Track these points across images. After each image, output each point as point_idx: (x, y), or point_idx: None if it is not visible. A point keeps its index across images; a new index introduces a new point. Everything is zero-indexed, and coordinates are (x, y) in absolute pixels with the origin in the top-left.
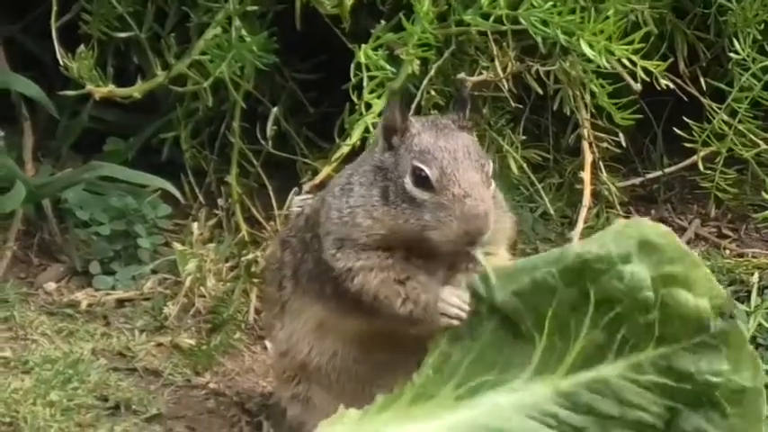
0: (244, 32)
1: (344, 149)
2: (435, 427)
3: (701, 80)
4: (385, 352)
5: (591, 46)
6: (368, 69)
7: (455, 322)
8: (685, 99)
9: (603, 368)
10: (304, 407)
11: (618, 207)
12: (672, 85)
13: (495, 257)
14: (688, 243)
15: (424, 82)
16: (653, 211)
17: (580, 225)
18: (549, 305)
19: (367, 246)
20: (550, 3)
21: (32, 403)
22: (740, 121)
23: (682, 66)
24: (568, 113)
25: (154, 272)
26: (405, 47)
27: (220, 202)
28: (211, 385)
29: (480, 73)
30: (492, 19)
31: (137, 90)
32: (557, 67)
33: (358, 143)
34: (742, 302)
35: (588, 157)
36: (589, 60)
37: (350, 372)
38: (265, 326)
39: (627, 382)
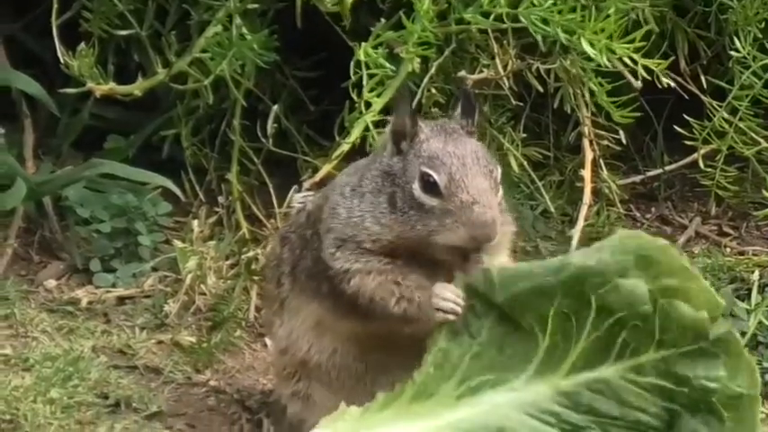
0: (244, 30)
1: (345, 147)
2: (436, 425)
3: (702, 78)
4: (383, 351)
5: (592, 44)
6: (368, 67)
7: (450, 317)
8: (686, 97)
9: (604, 369)
10: (304, 404)
11: (618, 205)
12: (672, 84)
13: (498, 256)
14: (688, 241)
15: (425, 80)
16: (653, 209)
17: (580, 223)
18: (551, 306)
19: (369, 250)
20: (551, 1)
21: (33, 401)
22: (741, 119)
23: (682, 64)
24: (569, 111)
25: (154, 269)
26: (405, 45)
27: (221, 199)
28: (212, 383)
29: (481, 71)
30: (492, 17)
31: (137, 88)
32: (557, 65)
33: (358, 141)
34: (742, 300)
35: (589, 155)
36: (589, 59)
37: (350, 369)
38: (265, 323)
39: (627, 383)
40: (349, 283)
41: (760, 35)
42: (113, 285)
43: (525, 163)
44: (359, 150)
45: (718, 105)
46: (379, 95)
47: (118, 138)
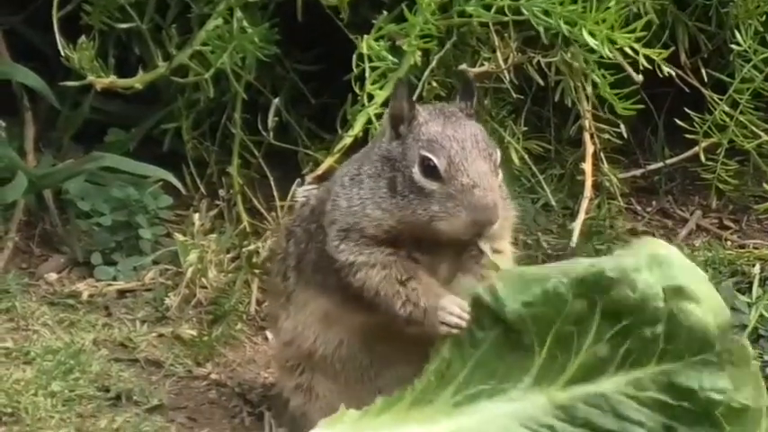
0: (245, 23)
1: (346, 141)
2: (432, 431)
3: (703, 71)
4: (390, 343)
5: (593, 35)
6: (370, 60)
7: (455, 331)
8: (686, 90)
9: (603, 382)
10: (307, 397)
11: (619, 198)
12: (673, 76)
13: (501, 253)
14: (689, 234)
15: (426, 73)
16: (654, 203)
17: (581, 216)
18: (557, 316)
19: (373, 238)
20: None
21: (34, 394)
22: (741, 113)
23: (683, 57)
24: (570, 105)
25: (155, 263)
26: (406, 38)
27: (222, 192)
28: (213, 376)
29: (482, 64)
30: (494, 10)
31: (138, 81)
32: (558, 58)
33: (360, 134)
34: (743, 294)
35: (589, 149)
36: (591, 51)
37: (355, 362)
38: (269, 316)
39: (626, 397)
40: (354, 276)
41: (761, 28)
42: (114, 278)
43: (526, 156)
44: (361, 143)
45: (719, 99)
46: (381, 88)
47: (119, 131)
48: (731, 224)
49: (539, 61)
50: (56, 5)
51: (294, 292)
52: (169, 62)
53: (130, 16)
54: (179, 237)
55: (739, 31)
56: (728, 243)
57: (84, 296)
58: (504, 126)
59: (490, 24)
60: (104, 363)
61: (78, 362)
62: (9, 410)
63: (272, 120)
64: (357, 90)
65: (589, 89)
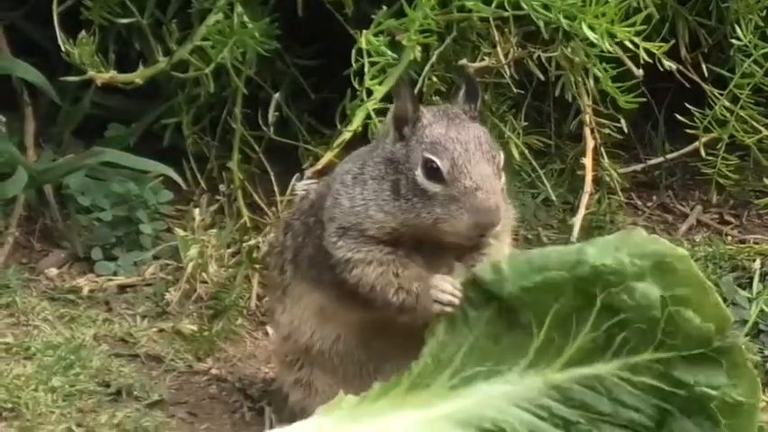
0: (245, 18)
1: (346, 135)
2: (430, 415)
3: (703, 66)
4: (387, 339)
5: (592, 29)
6: (369, 55)
7: (448, 309)
8: (687, 85)
9: (599, 366)
10: (306, 392)
11: (620, 193)
12: (673, 71)
13: (500, 250)
14: (690, 229)
15: (426, 68)
16: (654, 197)
17: (582, 211)
18: (555, 302)
19: (371, 238)
20: None
21: (34, 389)
22: (742, 108)
23: (683, 52)
24: (570, 100)
25: (155, 258)
26: (406, 33)
27: (222, 187)
28: (213, 371)
29: (482, 59)
30: (494, 5)
31: (138, 76)
32: (558, 53)
33: (359, 129)
34: (744, 289)
35: (590, 144)
36: (591, 45)
37: (353, 356)
38: (268, 310)
39: (621, 381)
40: (351, 272)
41: (761, 23)
42: (115, 274)
43: (526, 151)
44: (360, 138)
45: (720, 94)
46: (380, 83)
47: (119, 126)
48: (732, 219)
49: (539, 56)
50: (56, 1)
51: (290, 285)
52: (169, 57)
53: (131, 11)
54: (179, 232)
55: (740, 26)
56: (729, 238)
57: (85, 291)
58: (505, 121)
59: (490, 19)
60: (105, 358)
61: (79, 357)
62: (9, 406)
63: (272, 115)
64: (356, 85)
65: (590, 84)
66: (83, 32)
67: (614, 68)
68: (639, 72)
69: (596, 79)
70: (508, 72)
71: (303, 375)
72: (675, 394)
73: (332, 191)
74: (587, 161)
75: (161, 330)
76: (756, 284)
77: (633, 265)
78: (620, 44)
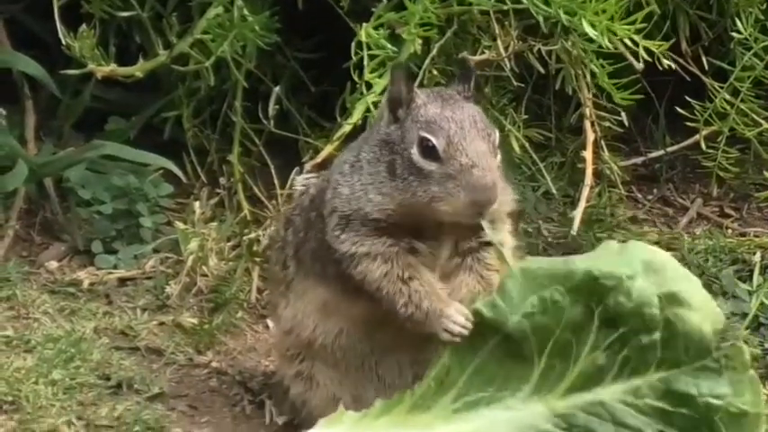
0: (245, 11)
1: (346, 128)
2: None
3: (703, 59)
4: (390, 331)
5: (593, 26)
6: (369, 48)
7: (457, 339)
8: (687, 78)
9: (601, 390)
10: (307, 385)
11: (620, 186)
12: (674, 65)
13: (501, 232)
14: (690, 222)
15: (426, 61)
16: (655, 191)
17: (582, 204)
18: (556, 325)
19: (375, 224)
20: None
21: (34, 382)
22: (742, 101)
23: (684, 45)
24: (570, 93)
25: (156, 251)
26: (406, 26)
27: (222, 181)
28: (213, 364)
29: (482, 52)
30: None
31: (139, 69)
32: (558, 46)
33: (359, 122)
34: (744, 282)
35: (590, 137)
36: (591, 40)
37: (355, 350)
38: (269, 304)
39: (624, 405)
40: (355, 268)
41: (761, 16)
42: (115, 267)
43: (527, 144)
44: (360, 131)
45: (720, 87)
46: (380, 76)
47: (119, 119)
48: (732, 212)
49: (539, 49)
50: None
51: (293, 280)
52: (170, 50)
53: (131, 5)
54: (180, 225)
55: (740, 19)
56: (729, 231)
57: (85, 284)
58: (505, 114)
59: (491, 12)
60: (105, 351)
61: (79, 350)
62: (10, 399)
63: (272, 108)
64: (356, 78)
65: (589, 77)
66: (83, 26)
67: (614, 62)
68: (640, 65)
69: (594, 74)
70: (508, 65)
71: (304, 369)
72: (679, 413)
73: (331, 182)
74: (588, 154)
75: (161, 323)
76: (756, 277)
77: (625, 266)
78: (620, 39)
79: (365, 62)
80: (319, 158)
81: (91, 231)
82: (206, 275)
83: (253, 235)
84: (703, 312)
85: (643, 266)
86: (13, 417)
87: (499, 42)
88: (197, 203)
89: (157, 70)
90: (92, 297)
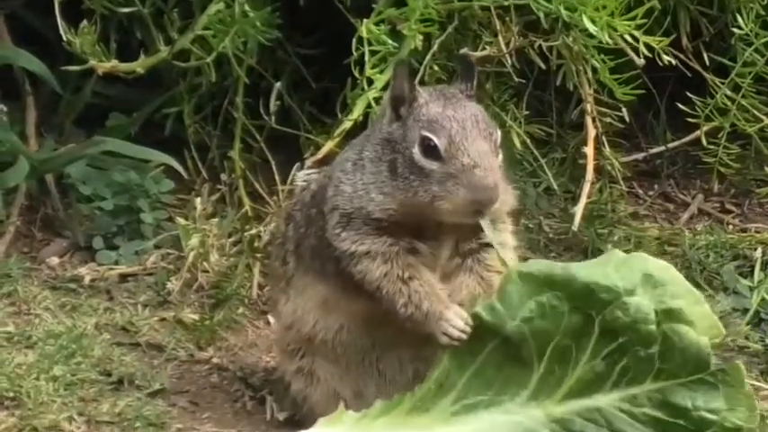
0: (247, 7)
1: (347, 125)
2: None
3: (704, 55)
4: (391, 327)
5: (593, 21)
6: (370, 44)
7: (455, 343)
8: (688, 74)
9: (599, 397)
10: (308, 380)
11: (621, 182)
12: (674, 61)
13: (502, 232)
14: (691, 218)
15: (427, 57)
16: (656, 186)
17: (583, 200)
18: (556, 331)
19: (376, 223)
20: None
21: (36, 378)
22: (743, 96)
23: (684, 41)
24: (571, 89)
25: (157, 247)
26: (407, 22)
27: (223, 177)
28: (214, 360)
29: (483, 48)
30: None
31: (140, 65)
32: (559, 42)
33: (360, 118)
34: (745, 278)
35: (591, 132)
36: (591, 36)
37: (356, 345)
38: (270, 300)
39: (621, 412)
40: (355, 267)
41: (762, 12)
42: (116, 263)
43: (528, 140)
44: (361, 127)
45: (721, 82)
46: (381, 72)
47: (120, 115)
48: (733, 208)
49: (540, 45)
50: None
51: (294, 276)
52: (171, 46)
53: (132, 1)
54: (181, 221)
55: (741, 15)
56: (730, 227)
57: (86, 280)
58: (506, 110)
59: (491, 8)
60: (106, 347)
61: (80, 346)
62: (11, 395)
63: (273, 104)
64: (357, 74)
65: (590, 73)
66: (84, 22)
67: (615, 58)
68: (641, 61)
69: (595, 70)
70: (509, 61)
71: (305, 364)
72: (675, 423)
73: (333, 180)
74: (589, 150)
75: (162, 319)
76: (757, 273)
77: (623, 280)
78: (621, 35)
79: (366, 58)
80: (320, 154)
81: (92, 227)
82: (207, 271)
83: (254, 231)
84: (702, 327)
85: (642, 280)
86: (14, 413)
87: (500, 38)
88: (198, 199)
89: (158, 66)
90: (93, 293)
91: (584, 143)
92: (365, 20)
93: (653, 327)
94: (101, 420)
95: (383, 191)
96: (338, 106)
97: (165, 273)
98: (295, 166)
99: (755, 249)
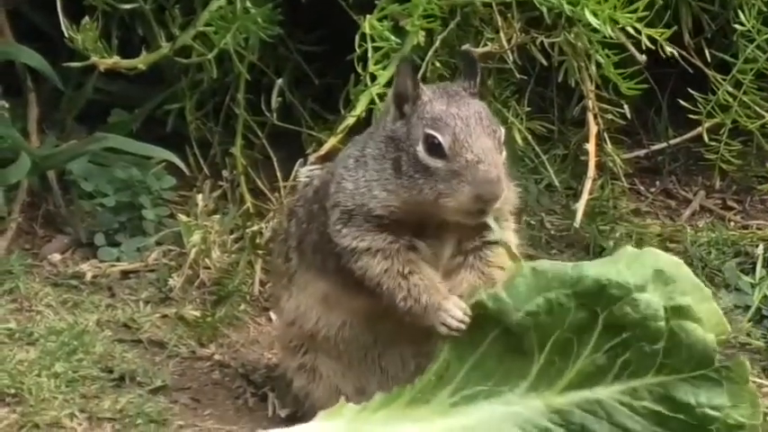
0: (248, 4)
1: (349, 121)
2: (429, 430)
3: (706, 52)
4: (393, 323)
5: (595, 15)
6: (372, 40)
7: (454, 333)
8: (690, 71)
9: (599, 390)
10: (310, 377)
11: (623, 179)
12: (676, 57)
13: (504, 230)
14: (693, 215)
15: (429, 53)
16: (657, 183)
17: (585, 196)
18: (560, 325)
19: (378, 220)
20: None
21: (37, 374)
22: (745, 93)
23: (686, 37)
24: (573, 85)
25: (158, 243)
26: (410, 18)
27: (225, 173)
28: (216, 357)
29: (485, 44)
30: None
31: (141, 62)
32: (561, 38)
33: (363, 114)
34: (747, 274)
35: (593, 129)
36: (594, 31)
37: (358, 342)
38: (272, 297)
39: (621, 405)
40: (356, 263)
41: (764, 8)
42: (118, 259)
43: (529, 137)
44: (364, 124)
45: (723, 79)
46: (384, 68)
47: (122, 112)
48: (734, 204)
49: (542, 41)
50: None
51: (296, 273)
52: (172, 43)
53: None
54: (182, 217)
55: (743, 11)
56: (732, 223)
57: (88, 277)
58: (508, 106)
59: (493, 4)
60: (108, 343)
61: (82, 343)
62: (12, 391)
63: (275, 100)
64: (360, 70)
65: (592, 69)
66: (86, 18)
67: (617, 54)
68: (642, 58)
69: (599, 65)
70: (511, 57)
71: (307, 361)
72: (676, 418)
73: (335, 176)
74: (590, 147)
75: (164, 316)
76: (759, 270)
77: (635, 276)
78: (623, 30)
79: (369, 54)
80: (323, 151)
81: (94, 224)
82: (209, 268)
83: (255, 227)
84: (709, 324)
85: (653, 276)
86: (15, 409)
87: (502, 34)
88: (200, 196)
89: (160, 62)
90: (95, 290)
91: (586, 140)
92: (368, 16)
93: (662, 323)
94: (102, 417)
95: (386, 188)
96: (341, 102)
97: (167, 269)
98: (298, 163)
99: (757, 246)
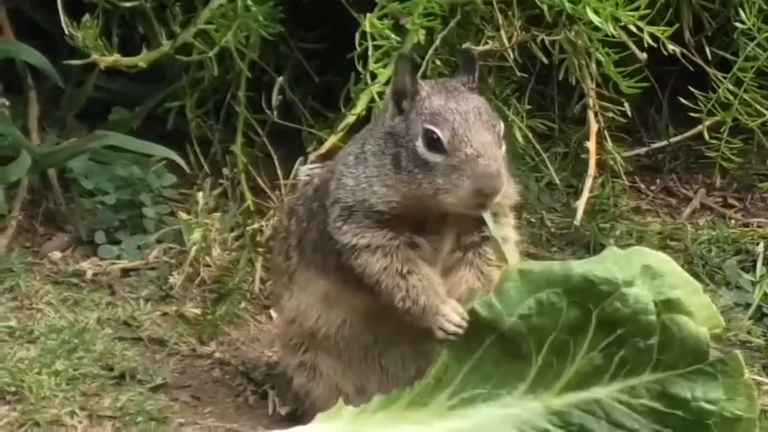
0: (249, 2)
1: (350, 119)
2: None
3: (707, 50)
4: (393, 322)
5: (596, 12)
6: (373, 38)
7: (451, 338)
8: (690, 69)
9: (597, 389)
10: (310, 375)
11: (623, 176)
12: (677, 55)
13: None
14: (693, 213)
15: (430, 51)
16: (658, 181)
17: (585, 194)
18: (554, 326)
19: (378, 216)
20: None
21: (38, 372)
22: (745, 91)
23: (687, 35)
24: (574, 83)
25: (159, 241)
26: (410, 16)
27: (226, 171)
28: (216, 355)
29: (486, 42)
30: None
31: (142, 59)
32: (562, 36)
33: (363, 113)
34: (747, 272)
35: (593, 127)
36: (595, 29)
37: (359, 340)
38: (273, 295)
39: (620, 404)
40: (356, 260)
41: (765, 6)
42: (118, 257)
43: (530, 135)
44: (364, 122)
45: (723, 77)
46: (384, 66)
47: (122, 110)
48: (735, 202)
49: (543, 39)
50: None
51: (296, 271)
52: (173, 41)
53: None
54: (183, 215)
55: (743, 9)
56: (732, 221)
57: (88, 275)
58: (508, 104)
59: (494, 2)
60: (108, 341)
61: (82, 340)
62: (13, 389)
63: (275, 98)
64: (360, 69)
65: (593, 67)
66: (86, 16)
67: (617, 52)
68: (643, 56)
69: (599, 63)
70: (512, 55)
71: (308, 359)
72: (674, 414)
73: (335, 173)
74: (591, 145)
75: (164, 314)
76: (760, 268)
77: (623, 272)
78: (624, 28)
79: (369, 52)
80: (323, 149)
81: (94, 222)
82: (209, 266)
83: (256, 225)
84: (701, 317)
85: (642, 271)
86: (15, 407)
87: (502, 32)
88: (200, 194)
89: (161, 60)
90: (95, 287)
91: (587, 138)
92: (368, 14)
93: (653, 317)
94: (102, 415)
95: (386, 183)
96: (341, 101)
97: (168, 267)
98: (298, 161)
99: (758, 244)
